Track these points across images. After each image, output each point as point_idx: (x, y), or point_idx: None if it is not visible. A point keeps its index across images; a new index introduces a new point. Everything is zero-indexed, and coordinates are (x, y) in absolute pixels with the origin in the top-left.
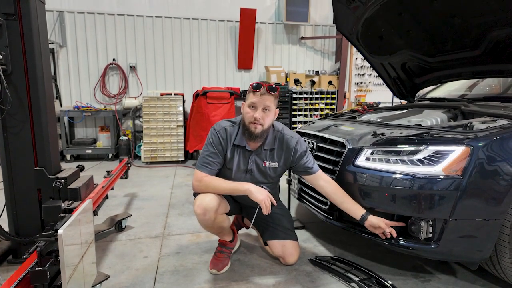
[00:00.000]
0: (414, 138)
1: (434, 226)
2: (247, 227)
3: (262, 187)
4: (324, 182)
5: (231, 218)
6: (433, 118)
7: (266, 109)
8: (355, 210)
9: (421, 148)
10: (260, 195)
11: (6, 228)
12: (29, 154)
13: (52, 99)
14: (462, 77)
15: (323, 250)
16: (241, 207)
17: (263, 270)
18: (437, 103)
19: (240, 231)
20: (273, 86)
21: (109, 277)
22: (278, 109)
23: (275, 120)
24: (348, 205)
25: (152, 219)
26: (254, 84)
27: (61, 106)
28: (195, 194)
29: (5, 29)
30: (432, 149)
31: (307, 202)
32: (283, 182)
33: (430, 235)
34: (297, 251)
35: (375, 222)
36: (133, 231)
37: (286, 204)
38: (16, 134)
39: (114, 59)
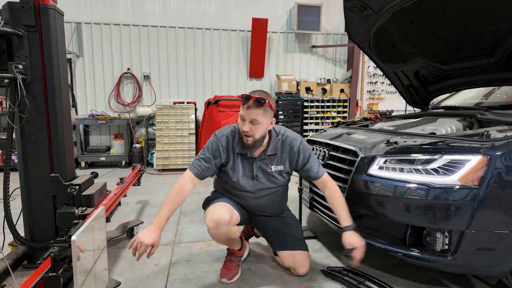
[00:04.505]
0: (429, 147)
1: (450, 238)
2: (257, 236)
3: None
4: (327, 187)
5: (240, 227)
6: (448, 127)
7: (253, 123)
8: (342, 217)
9: (436, 157)
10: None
11: (21, 233)
12: (45, 161)
13: (68, 108)
14: (477, 85)
15: (335, 260)
16: (250, 217)
17: (274, 280)
18: (452, 111)
19: (250, 240)
20: (262, 99)
21: (120, 284)
22: (274, 119)
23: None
24: (338, 208)
25: None
26: (244, 96)
27: (76, 114)
28: (204, 206)
29: (26, 40)
30: (447, 158)
31: (318, 211)
32: (294, 190)
33: (446, 247)
34: (308, 262)
35: (351, 238)
36: None
37: (297, 213)
38: (34, 141)
39: (128, 69)
